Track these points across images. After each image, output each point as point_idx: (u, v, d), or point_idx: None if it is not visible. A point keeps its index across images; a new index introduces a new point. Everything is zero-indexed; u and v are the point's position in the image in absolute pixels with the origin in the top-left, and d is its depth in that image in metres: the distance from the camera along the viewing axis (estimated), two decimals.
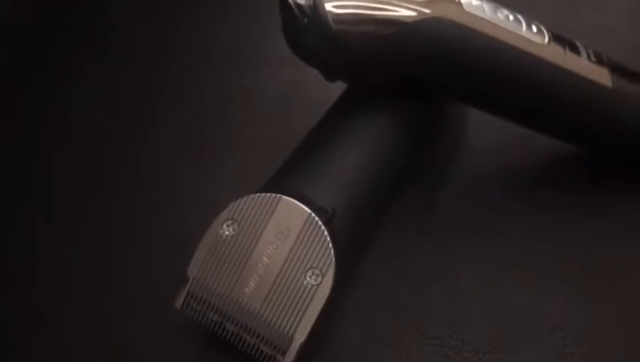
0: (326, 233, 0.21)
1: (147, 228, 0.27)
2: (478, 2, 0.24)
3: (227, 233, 0.22)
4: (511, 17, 0.25)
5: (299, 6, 0.22)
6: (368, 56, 0.24)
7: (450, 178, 0.29)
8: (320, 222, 0.21)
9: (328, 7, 0.23)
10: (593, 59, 0.26)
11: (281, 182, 0.23)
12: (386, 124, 0.25)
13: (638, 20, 0.36)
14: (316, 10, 0.22)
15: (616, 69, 0.26)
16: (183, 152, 0.30)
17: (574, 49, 0.26)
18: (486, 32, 0.24)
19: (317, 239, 0.21)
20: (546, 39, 0.25)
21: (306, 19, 0.22)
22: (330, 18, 0.22)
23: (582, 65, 0.25)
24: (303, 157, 0.24)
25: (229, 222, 0.22)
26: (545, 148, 0.29)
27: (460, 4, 0.24)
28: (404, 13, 0.23)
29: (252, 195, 0.22)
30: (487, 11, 0.24)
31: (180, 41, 0.36)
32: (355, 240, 0.24)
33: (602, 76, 0.25)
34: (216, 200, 0.22)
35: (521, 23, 0.25)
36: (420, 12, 0.23)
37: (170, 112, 0.32)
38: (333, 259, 0.21)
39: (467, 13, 0.24)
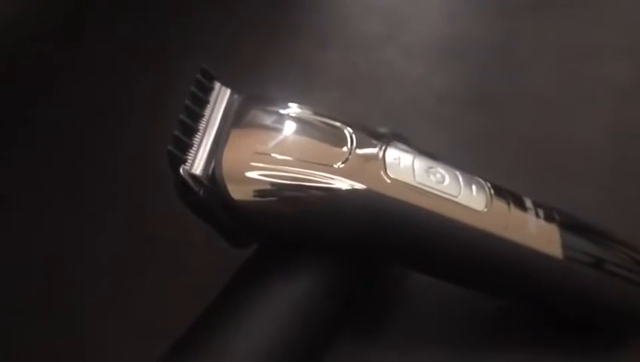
0: None
1: None
2: (407, 163, 0.21)
3: None
4: (447, 179, 0.22)
5: (193, 177, 0.19)
6: (276, 228, 0.21)
7: (384, 334, 0.25)
8: None
9: (228, 177, 0.20)
10: (541, 215, 0.23)
11: None
12: (304, 289, 0.22)
13: (616, 135, 0.33)
14: (214, 180, 0.20)
15: (567, 228, 0.23)
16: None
17: (520, 205, 0.23)
18: (413, 202, 0.21)
19: None
20: (486, 202, 0.22)
21: (202, 191, 0.20)
22: (230, 191, 0.20)
23: (528, 226, 0.22)
24: (195, 339, 0.21)
25: None
26: (492, 305, 0.25)
27: (384, 168, 0.21)
28: (319, 185, 0.20)
29: None
30: (417, 175, 0.21)
31: None
32: None
33: (551, 242, 0.22)
34: None
35: (459, 185, 0.22)
36: (336, 183, 0.20)
37: None
38: None
39: (392, 180, 0.21)
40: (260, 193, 0.20)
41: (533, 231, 0.22)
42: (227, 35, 0.40)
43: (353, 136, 0.22)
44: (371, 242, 0.22)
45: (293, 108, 0.22)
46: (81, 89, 0.37)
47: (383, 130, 0.26)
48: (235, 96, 0.23)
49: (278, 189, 0.20)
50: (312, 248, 0.22)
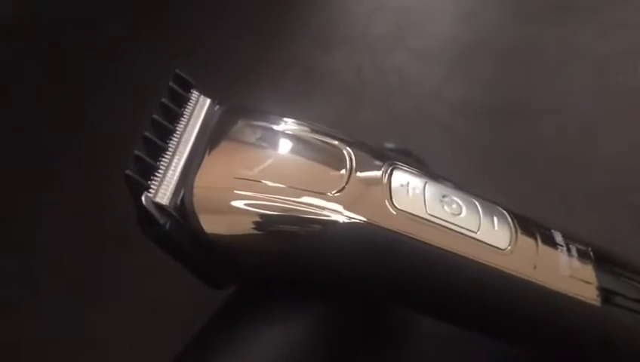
0: None
1: None
2: (417, 191, 0.18)
3: None
4: (464, 210, 0.18)
5: (158, 206, 0.16)
6: (258, 268, 0.17)
7: None
8: None
9: (201, 206, 0.16)
10: (574, 253, 0.19)
11: None
12: (291, 337, 0.19)
13: None
14: (184, 211, 0.16)
15: (604, 266, 0.20)
16: None
17: (549, 241, 0.19)
18: (424, 238, 0.17)
19: None
20: (510, 239, 0.18)
21: (168, 223, 0.16)
22: (203, 223, 0.16)
23: (559, 267, 0.19)
24: None
25: None
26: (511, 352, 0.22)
27: (389, 197, 0.17)
28: (310, 216, 0.17)
29: None
30: (429, 205, 0.18)
31: None
32: None
33: (585, 284, 0.19)
34: None
35: (478, 217, 0.18)
36: (332, 214, 0.17)
37: None
38: None
39: (399, 212, 0.17)
40: (240, 226, 0.17)
41: (565, 272, 0.19)
42: (215, 37, 0.36)
43: (353, 156, 0.18)
44: (373, 283, 0.18)
45: (283, 123, 0.19)
46: (60, 94, 0.34)
47: (389, 145, 0.23)
48: (216, 108, 0.19)
49: (261, 222, 0.17)
50: (303, 289, 0.18)
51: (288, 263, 0.17)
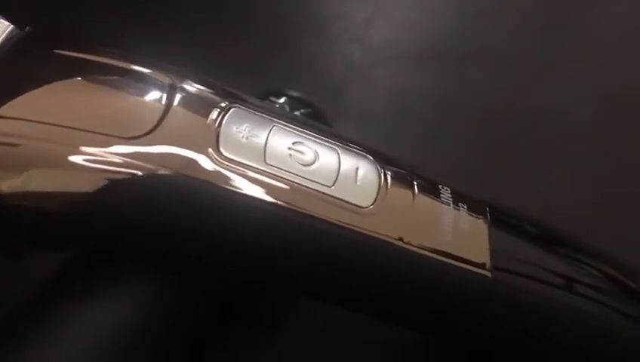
0: None
1: None
2: (257, 138, 0.14)
3: None
4: (318, 160, 0.15)
5: None
6: (41, 230, 0.13)
7: None
8: None
9: None
10: (463, 211, 0.16)
11: None
12: (120, 313, 0.15)
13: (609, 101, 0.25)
14: None
15: (502, 227, 0.16)
16: None
17: (430, 197, 0.16)
18: (258, 195, 0.14)
19: None
20: (376, 194, 0.14)
21: None
22: None
23: (439, 227, 0.15)
24: None
25: None
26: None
27: (216, 142, 0.14)
28: (101, 166, 0.13)
29: None
30: (270, 154, 0.14)
31: None
32: None
33: (474, 247, 0.15)
34: None
35: (335, 168, 0.15)
36: (127, 165, 0.13)
37: None
38: None
39: (226, 161, 0.14)
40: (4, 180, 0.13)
41: (448, 234, 0.15)
42: None
43: (177, 90, 0.14)
44: (198, 256, 0.14)
45: (89, 51, 0.15)
46: None
47: (292, 93, 0.19)
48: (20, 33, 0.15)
49: (33, 174, 0.13)
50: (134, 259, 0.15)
51: (79, 227, 0.13)
